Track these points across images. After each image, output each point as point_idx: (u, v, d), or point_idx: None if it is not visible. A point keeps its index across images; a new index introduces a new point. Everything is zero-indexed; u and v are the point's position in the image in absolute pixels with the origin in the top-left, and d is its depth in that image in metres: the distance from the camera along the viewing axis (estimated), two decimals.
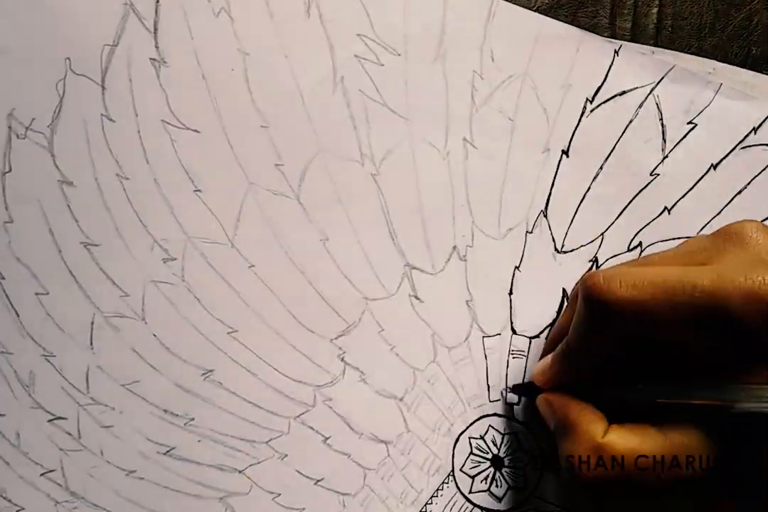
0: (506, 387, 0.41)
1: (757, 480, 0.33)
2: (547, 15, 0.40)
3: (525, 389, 0.40)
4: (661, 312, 0.31)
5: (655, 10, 0.41)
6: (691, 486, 0.33)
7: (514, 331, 0.40)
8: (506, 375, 0.40)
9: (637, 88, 0.40)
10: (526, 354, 0.41)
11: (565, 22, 0.40)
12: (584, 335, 0.34)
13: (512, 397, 0.40)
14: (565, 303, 0.40)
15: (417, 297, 0.38)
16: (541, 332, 0.41)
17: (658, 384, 0.35)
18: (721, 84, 0.40)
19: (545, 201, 0.40)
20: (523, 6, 0.39)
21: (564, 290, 0.40)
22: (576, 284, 0.36)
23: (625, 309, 0.32)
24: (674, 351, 0.34)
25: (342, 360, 0.38)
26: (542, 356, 0.40)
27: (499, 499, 0.39)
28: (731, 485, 0.34)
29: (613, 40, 0.40)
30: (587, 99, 0.40)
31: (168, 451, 0.37)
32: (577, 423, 0.35)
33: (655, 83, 0.40)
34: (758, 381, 0.32)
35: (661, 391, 0.34)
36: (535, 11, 0.40)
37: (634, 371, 0.35)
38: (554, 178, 0.40)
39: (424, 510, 0.39)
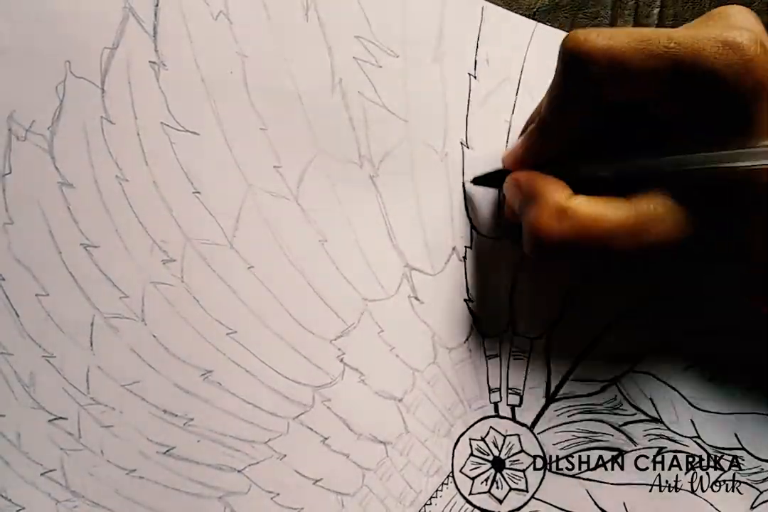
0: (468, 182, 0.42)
1: (735, 245, 0.34)
2: (547, 16, 0.40)
3: (490, 177, 0.40)
4: (636, 63, 0.31)
5: (656, 11, 0.42)
6: (662, 253, 0.33)
7: (515, 332, 0.40)
8: (507, 376, 0.40)
9: None
10: (527, 355, 0.41)
11: (566, 23, 0.40)
12: (558, 99, 0.34)
13: (514, 399, 0.40)
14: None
15: (417, 298, 0.39)
16: (543, 333, 0.41)
17: (625, 159, 0.35)
18: None
19: None
20: (524, 7, 0.40)
21: (566, 290, 0.40)
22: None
23: (601, 60, 0.32)
24: (646, 119, 0.34)
25: (341, 361, 0.39)
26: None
27: (499, 501, 0.40)
28: (708, 252, 0.34)
29: None
30: None
31: (168, 451, 0.38)
32: (543, 191, 0.35)
33: None
34: (730, 147, 0.32)
35: (627, 164, 0.35)
36: (535, 12, 0.40)
37: (600, 147, 0.35)
38: None
39: (422, 510, 0.40)
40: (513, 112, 0.39)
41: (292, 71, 0.38)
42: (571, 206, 0.33)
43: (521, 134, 0.39)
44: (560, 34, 0.40)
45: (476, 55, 0.39)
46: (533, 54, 0.40)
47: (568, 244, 0.33)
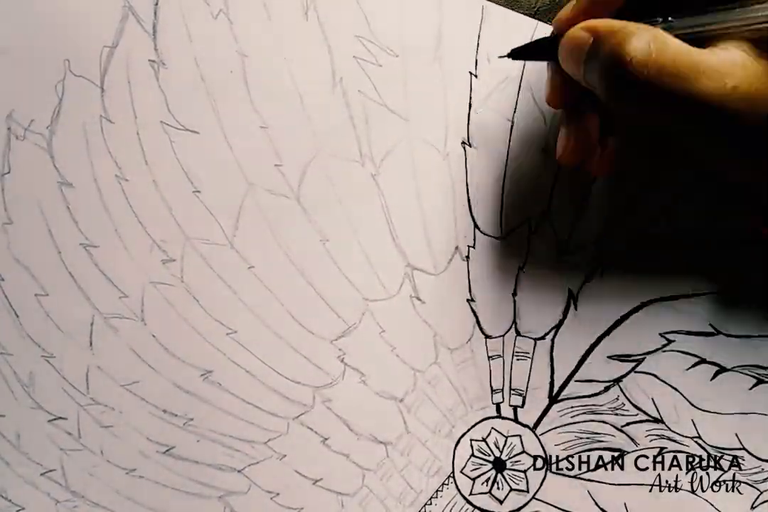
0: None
1: None
2: (547, 15, 0.40)
3: (534, 48, 0.37)
4: None
5: None
6: (738, 103, 0.32)
7: (518, 333, 0.40)
8: (510, 377, 0.40)
9: None
10: (530, 355, 0.40)
11: None
12: None
13: (516, 399, 0.40)
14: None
15: (419, 298, 0.39)
16: (546, 333, 0.41)
17: (690, 15, 0.34)
18: None
19: (547, 201, 0.40)
20: (524, 6, 0.40)
21: (569, 291, 0.40)
22: None
23: None
24: None
25: (342, 361, 0.39)
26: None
27: (500, 501, 0.40)
28: None
29: None
30: None
31: (167, 450, 0.38)
32: (625, 26, 0.32)
33: None
34: None
35: (696, 21, 0.34)
36: (536, 12, 0.40)
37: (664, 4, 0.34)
38: (555, 178, 0.40)
39: (423, 510, 0.40)
40: (515, 111, 0.39)
41: (292, 70, 0.38)
42: (662, 34, 0.31)
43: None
44: None
45: (477, 53, 0.39)
46: None
47: (657, 71, 0.31)
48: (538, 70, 0.40)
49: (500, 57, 0.37)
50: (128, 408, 0.39)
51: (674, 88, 0.31)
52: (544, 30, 0.40)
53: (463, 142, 0.39)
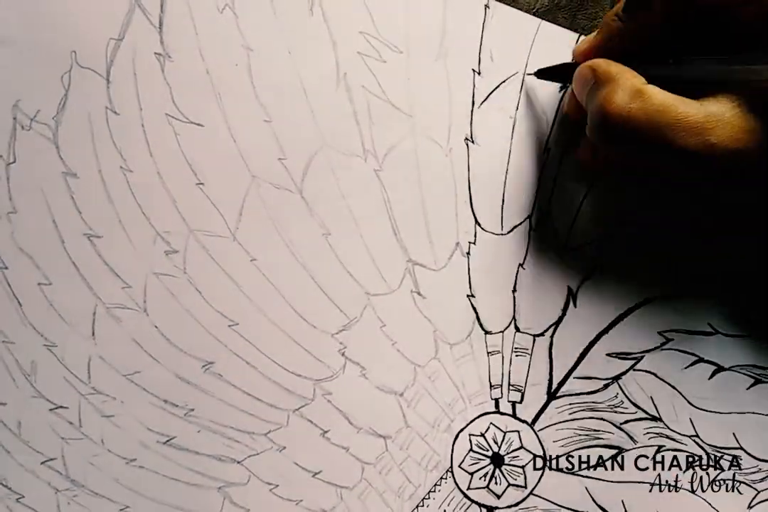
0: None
1: None
2: (546, 16, 0.41)
3: (556, 71, 0.40)
4: None
5: None
6: (718, 157, 0.34)
7: (517, 329, 0.41)
8: (509, 373, 0.41)
9: None
10: (529, 352, 0.41)
11: (565, 24, 0.41)
12: None
13: (515, 395, 0.41)
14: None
15: (419, 293, 0.40)
16: (546, 330, 0.42)
17: (696, 63, 0.35)
18: None
19: (548, 198, 0.41)
20: (523, 7, 0.41)
21: (569, 288, 0.40)
22: None
23: None
24: (725, 23, 0.34)
25: (343, 354, 0.39)
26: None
27: (497, 496, 0.40)
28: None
29: None
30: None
31: (168, 441, 0.39)
32: (619, 75, 0.35)
33: None
34: None
35: (699, 69, 0.35)
36: (534, 13, 0.41)
37: (679, 47, 0.36)
38: (556, 175, 0.41)
39: (421, 504, 0.40)
40: (517, 109, 0.40)
41: (296, 65, 0.39)
42: (646, 89, 0.34)
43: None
44: (564, 32, 0.41)
45: (480, 51, 0.40)
46: (537, 51, 0.40)
47: (635, 125, 0.34)
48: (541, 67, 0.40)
49: (528, 74, 0.41)
50: (129, 398, 0.39)
51: (651, 141, 0.34)
52: (547, 29, 0.40)
53: (466, 139, 0.40)
